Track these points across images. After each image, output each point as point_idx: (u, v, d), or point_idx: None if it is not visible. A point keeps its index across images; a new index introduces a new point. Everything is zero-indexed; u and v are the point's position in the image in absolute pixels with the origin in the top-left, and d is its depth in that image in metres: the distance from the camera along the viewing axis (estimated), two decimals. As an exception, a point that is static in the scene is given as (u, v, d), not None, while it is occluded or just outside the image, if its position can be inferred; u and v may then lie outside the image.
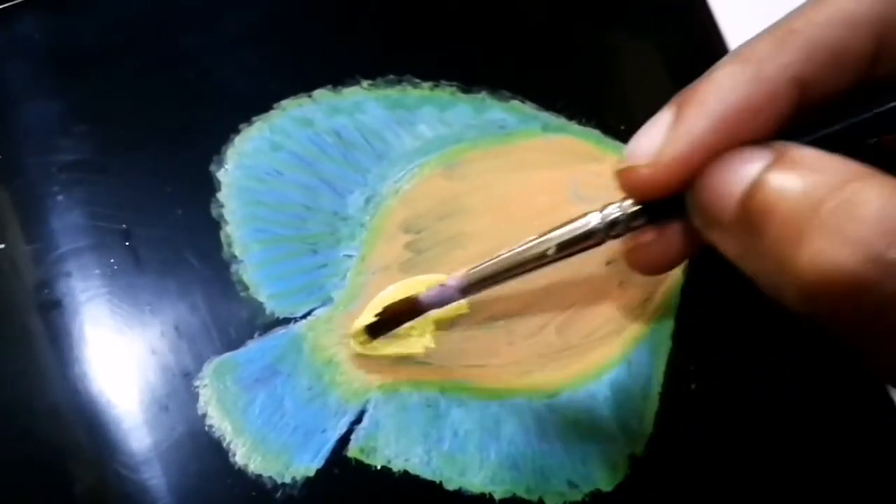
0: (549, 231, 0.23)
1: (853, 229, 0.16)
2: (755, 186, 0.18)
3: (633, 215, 0.22)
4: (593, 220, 0.22)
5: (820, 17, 0.19)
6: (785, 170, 0.18)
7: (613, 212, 0.22)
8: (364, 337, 0.27)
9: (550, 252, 0.23)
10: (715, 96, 0.19)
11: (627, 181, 0.21)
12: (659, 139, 0.20)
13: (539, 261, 0.23)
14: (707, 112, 0.19)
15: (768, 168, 0.18)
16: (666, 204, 0.20)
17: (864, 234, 0.16)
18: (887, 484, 0.30)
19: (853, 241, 0.16)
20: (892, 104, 0.19)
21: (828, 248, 0.16)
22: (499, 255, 0.24)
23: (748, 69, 0.19)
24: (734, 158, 0.19)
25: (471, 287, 0.25)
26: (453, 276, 0.25)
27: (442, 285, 0.25)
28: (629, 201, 0.22)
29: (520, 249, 0.24)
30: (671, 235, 0.23)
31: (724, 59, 0.20)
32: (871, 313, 0.16)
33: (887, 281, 0.16)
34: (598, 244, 0.22)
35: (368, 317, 0.27)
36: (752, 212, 0.18)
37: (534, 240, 0.23)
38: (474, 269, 0.25)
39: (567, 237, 0.23)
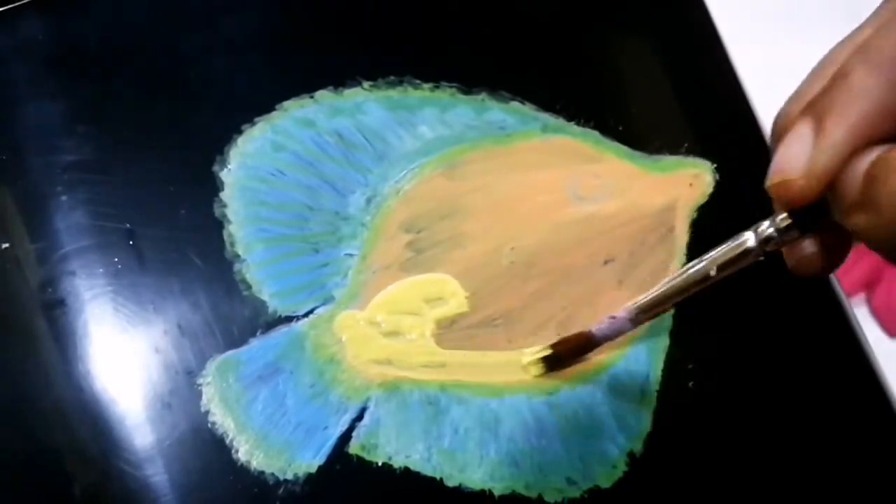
0: (708, 253, 0.25)
1: None
2: (875, 160, 0.19)
3: (786, 229, 0.23)
4: (749, 239, 0.24)
5: None
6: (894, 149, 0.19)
7: (767, 228, 0.23)
8: (540, 369, 0.28)
9: (713, 273, 0.25)
10: (853, 107, 0.20)
11: (783, 194, 0.22)
12: (805, 151, 0.21)
13: (702, 283, 0.25)
14: (847, 122, 0.20)
15: (885, 151, 0.20)
16: (812, 212, 0.22)
17: None
18: (886, 483, 0.30)
19: None
20: None
21: None
22: (665, 281, 0.26)
23: (882, 76, 0.20)
24: (862, 153, 0.20)
25: (641, 315, 0.27)
26: (623, 308, 0.27)
27: (612, 317, 0.27)
28: (780, 216, 0.23)
29: (684, 276, 0.25)
30: (828, 242, 0.24)
31: (853, 60, 0.21)
32: None
33: None
34: (755, 261, 0.24)
35: (542, 350, 0.28)
36: (874, 177, 0.19)
37: (696, 263, 0.25)
38: (644, 299, 0.26)
39: (726, 258, 0.24)
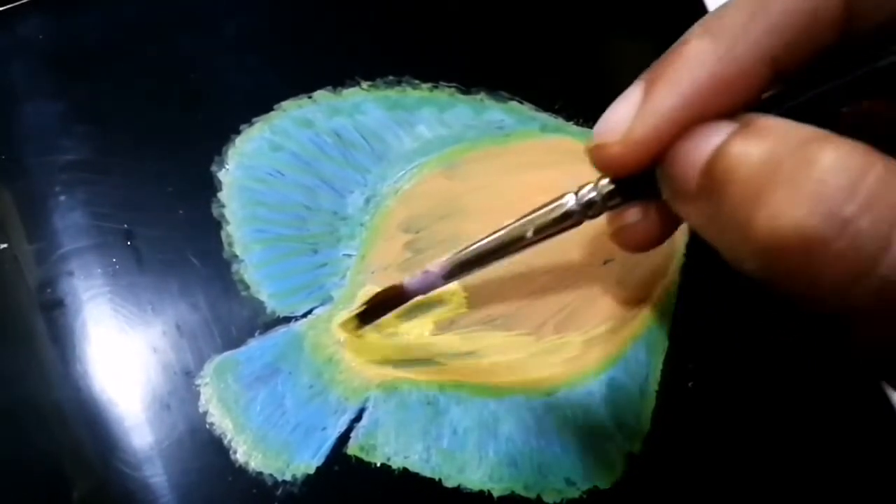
0: (527, 214, 0.23)
1: (809, 187, 0.16)
2: (717, 154, 0.18)
3: (609, 195, 0.22)
4: (569, 201, 0.22)
5: None
6: (746, 136, 0.18)
7: (588, 192, 0.22)
8: (354, 324, 0.28)
9: (529, 235, 0.23)
10: (685, 74, 0.19)
11: (598, 159, 0.21)
12: (628, 116, 0.20)
13: (518, 244, 0.24)
14: (677, 90, 0.19)
15: (731, 136, 0.18)
16: (639, 181, 0.21)
17: (819, 191, 0.16)
18: (887, 483, 0.30)
19: (809, 198, 0.16)
20: (860, 71, 0.19)
21: (784, 206, 0.16)
22: (479, 241, 0.25)
23: (719, 46, 0.19)
24: (699, 130, 0.19)
25: (453, 272, 0.25)
26: (435, 263, 0.26)
27: (425, 272, 0.26)
28: (604, 181, 0.22)
29: (499, 234, 0.24)
30: (653, 213, 0.23)
31: (695, 28, 0.20)
32: (824, 270, 0.16)
33: (841, 238, 0.16)
34: (576, 225, 0.23)
35: (356, 307, 0.28)
36: (713, 178, 0.18)
37: (511, 224, 0.24)
38: (455, 255, 0.25)
39: (544, 220, 0.23)
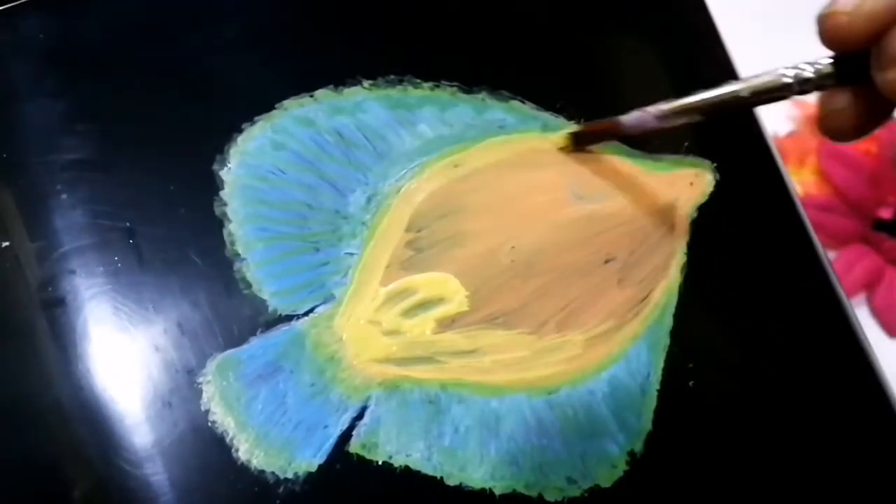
0: (745, 79, 0.26)
1: None
2: None
3: (824, 75, 0.24)
4: (788, 73, 0.25)
5: None
6: None
7: (806, 69, 0.24)
8: (568, 143, 0.31)
9: (744, 94, 0.26)
10: None
11: (826, 26, 0.23)
12: None
13: (734, 103, 0.26)
14: None
15: None
16: (854, 64, 0.23)
17: None
18: (887, 483, 0.30)
19: None
20: None
21: None
22: (697, 92, 0.27)
23: None
24: None
25: (668, 115, 0.28)
26: (653, 105, 0.28)
27: (642, 110, 0.28)
28: (822, 60, 0.24)
29: (716, 91, 0.26)
30: (861, 101, 0.24)
31: None
32: None
33: None
34: (787, 96, 0.25)
35: (573, 128, 0.31)
36: None
37: (732, 83, 0.26)
38: (676, 102, 0.27)
39: (762, 85, 0.25)
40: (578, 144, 0.31)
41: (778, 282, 0.31)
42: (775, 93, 0.25)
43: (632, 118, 0.29)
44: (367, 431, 0.27)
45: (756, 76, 0.25)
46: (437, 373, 0.28)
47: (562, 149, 0.31)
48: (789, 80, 0.25)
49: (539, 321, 0.29)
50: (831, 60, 0.24)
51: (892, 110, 0.23)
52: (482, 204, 0.30)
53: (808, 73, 0.24)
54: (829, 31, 0.23)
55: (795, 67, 0.25)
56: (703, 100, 0.27)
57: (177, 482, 0.26)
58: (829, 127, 0.26)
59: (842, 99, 0.25)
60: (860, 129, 0.25)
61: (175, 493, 0.26)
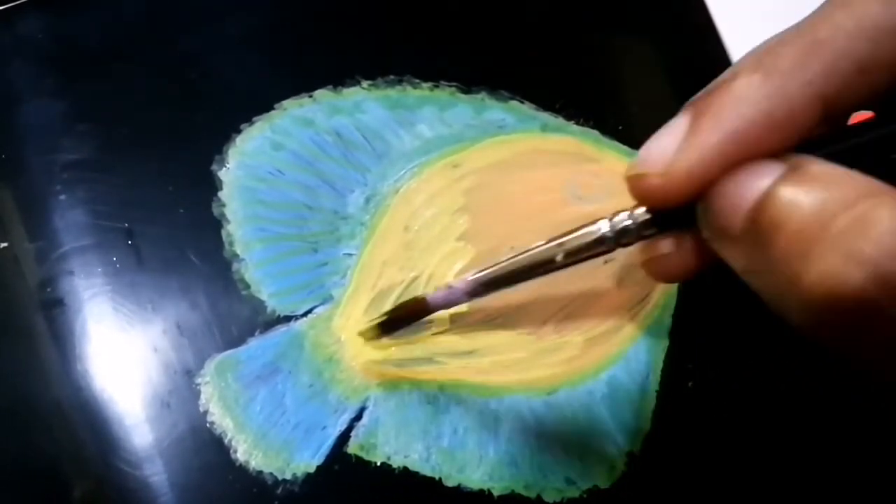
0: (558, 237, 0.23)
1: (863, 249, 0.16)
2: (766, 199, 0.17)
3: (644, 224, 0.21)
4: (603, 227, 0.22)
5: (848, 25, 0.18)
6: (797, 183, 0.17)
7: (623, 220, 0.21)
8: (374, 333, 0.27)
9: (559, 259, 0.23)
10: (732, 109, 0.18)
11: (638, 188, 0.20)
12: (672, 148, 0.19)
13: (546, 266, 0.23)
14: (723, 125, 0.18)
15: (780, 180, 0.17)
16: (677, 213, 0.20)
17: (874, 255, 0.15)
18: (887, 483, 0.30)
19: (863, 260, 0.15)
20: None
21: (837, 267, 0.16)
22: (507, 259, 0.24)
23: (769, 84, 0.18)
24: (746, 171, 0.18)
25: (478, 290, 0.25)
26: (461, 279, 0.25)
27: (449, 287, 0.25)
28: (640, 209, 0.21)
29: (528, 255, 0.23)
30: (687, 245, 0.22)
31: (744, 62, 0.19)
32: (877, 334, 0.16)
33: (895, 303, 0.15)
34: (608, 252, 0.22)
35: (376, 316, 0.27)
36: (761, 225, 0.17)
37: (542, 245, 0.23)
38: (481, 273, 0.24)
39: (576, 244, 0.22)
40: (387, 332, 0.27)
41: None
42: (594, 249, 0.22)
43: (439, 296, 0.25)
44: (365, 432, 0.27)
45: (569, 233, 0.22)
46: (436, 373, 0.28)
47: (366, 339, 0.28)
48: (607, 233, 0.21)
49: (538, 322, 0.29)
50: (647, 210, 0.21)
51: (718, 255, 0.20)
52: (481, 204, 0.30)
53: (627, 222, 0.21)
54: (641, 194, 0.20)
55: (612, 218, 0.22)
56: (513, 269, 0.23)
57: (175, 483, 0.26)
58: (654, 271, 0.23)
59: (665, 245, 0.22)
60: (688, 271, 0.23)
61: (174, 493, 0.26)
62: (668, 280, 0.24)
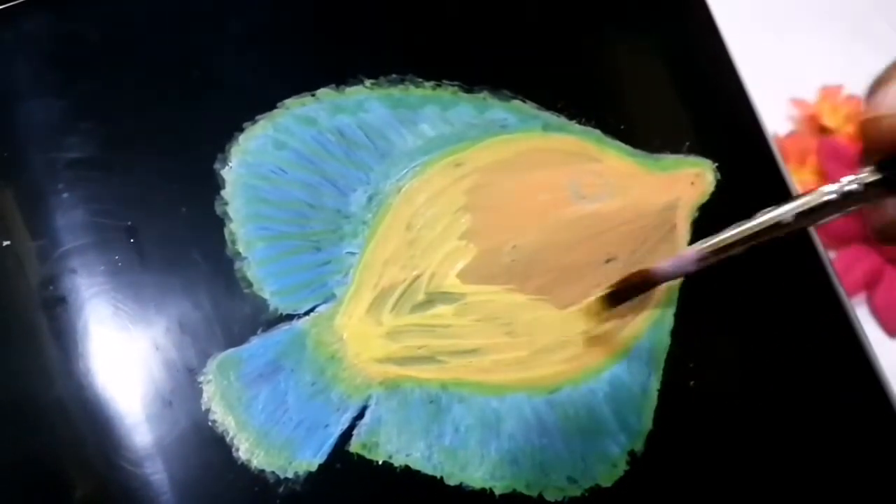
0: (786, 202, 0.25)
1: None
2: None
3: (872, 184, 0.23)
4: (831, 191, 0.24)
5: None
6: None
7: (849, 184, 0.23)
8: (601, 306, 0.28)
9: (788, 220, 0.24)
10: None
11: (871, 130, 0.22)
12: None
13: (775, 231, 0.25)
14: None
15: None
16: None
17: None
18: (887, 483, 0.30)
19: None
20: None
21: None
22: (737, 226, 0.25)
23: None
24: None
25: (708, 256, 0.26)
26: (690, 247, 0.26)
27: (678, 256, 0.26)
28: (865, 170, 0.23)
29: (757, 220, 0.25)
30: None
31: None
32: None
33: None
34: (837, 213, 0.24)
35: (605, 289, 0.28)
36: None
37: (771, 210, 0.25)
38: (713, 240, 0.26)
39: (806, 207, 0.24)
40: (614, 304, 0.28)
41: (778, 282, 0.31)
42: (823, 211, 0.24)
43: (666, 266, 0.27)
44: (367, 431, 0.27)
45: (796, 199, 0.24)
46: (438, 372, 0.28)
47: (591, 313, 0.29)
48: (834, 198, 0.24)
49: (540, 321, 0.29)
50: (875, 169, 0.23)
51: None
52: (483, 203, 0.30)
53: (853, 186, 0.23)
54: (875, 134, 0.22)
55: (838, 183, 0.24)
56: (745, 233, 0.25)
57: (177, 481, 0.26)
58: (887, 238, 0.25)
59: (892, 207, 0.24)
60: None
61: (175, 492, 0.26)
62: None
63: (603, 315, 0.28)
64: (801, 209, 0.24)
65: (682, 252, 0.26)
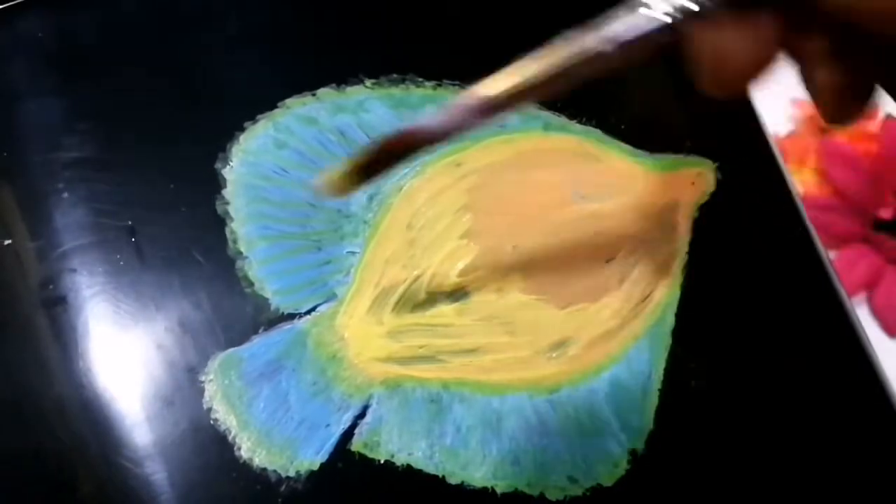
0: (601, 24, 0.18)
1: None
2: None
3: (711, 3, 0.17)
4: (663, 10, 0.17)
5: None
6: None
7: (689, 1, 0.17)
8: (353, 178, 0.21)
9: (608, 50, 0.17)
10: None
11: None
12: None
13: (592, 64, 0.18)
14: None
15: None
16: None
17: None
18: (887, 483, 0.30)
19: None
20: None
21: None
22: (529, 59, 0.19)
23: None
24: None
25: (492, 105, 0.19)
26: (467, 95, 0.19)
27: (451, 106, 0.19)
28: None
29: (563, 47, 0.18)
30: (756, 35, 0.17)
31: None
32: None
33: None
34: (661, 41, 0.17)
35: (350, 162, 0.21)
36: None
37: (577, 34, 0.18)
38: (500, 76, 0.19)
39: (633, 34, 0.17)
40: (366, 177, 0.21)
41: (779, 281, 0.31)
42: (648, 38, 0.17)
43: (439, 121, 0.19)
44: (368, 430, 0.27)
45: (612, 20, 0.17)
46: (439, 372, 0.28)
47: (340, 189, 0.21)
48: (667, 20, 0.17)
49: (541, 321, 0.29)
50: None
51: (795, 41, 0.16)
52: (484, 203, 0.30)
53: (692, 4, 0.17)
54: None
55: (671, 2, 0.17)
56: (541, 72, 0.18)
57: (178, 481, 0.26)
58: (719, 77, 0.18)
59: (732, 34, 0.17)
60: (755, 68, 0.17)
61: (177, 491, 0.26)
62: (739, 85, 0.18)
63: (351, 189, 0.21)
64: (626, 36, 0.17)
65: (455, 101, 0.19)
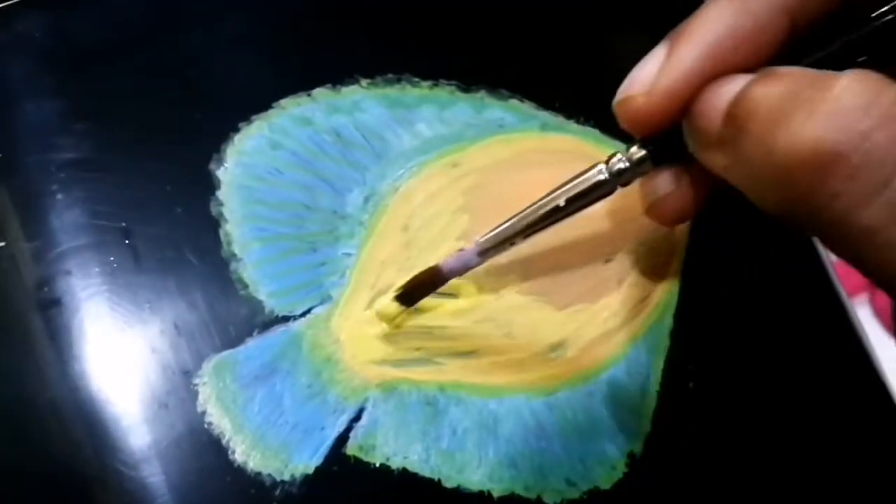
0: (559, 187, 0.25)
1: (826, 106, 0.17)
2: (738, 97, 0.19)
3: (639, 161, 0.23)
4: (600, 171, 0.24)
5: None
6: (766, 80, 0.19)
7: (619, 160, 0.24)
8: (394, 309, 0.27)
9: (561, 204, 0.25)
10: (704, 28, 0.20)
11: (625, 112, 0.23)
12: (653, 72, 0.21)
13: (551, 216, 0.25)
14: (698, 45, 0.20)
15: (751, 82, 0.19)
16: (667, 143, 0.22)
17: (835, 109, 0.17)
18: (887, 483, 0.30)
19: (826, 115, 0.17)
20: (876, 24, 0.20)
21: (803, 125, 0.17)
22: (513, 216, 0.26)
23: (735, 3, 0.20)
24: (721, 80, 0.20)
25: (489, 250, 0.26)
26: (474, 241, 0.26)
27: (460, 251, 0.27)
28: (633, 148, 0.24)
29: (532, 208, 0.25)
30: (685, 182, 0.24)
31: None
32: (843, 186, 0.17)
33: (857, 152, 0.17)
34: (608, 194, 0.24)
35: (395, 290, 0.27)
36: (736, 118, 0.19)
37: (544, 197, 0.25)
38: (491, 233, 0.26)
39: (577, 190, 0.24)
40: (408, 303, 0.27)
41: (779, 282, 0.31)
42: (594, 192, 0.24)
43: (451, 262, 0.27)
44: (364, 433, 0.27)
45: (568, 182, 0.25)
46: (436, 374, 0.28)
47: (386, 318, 0.27)
48: (605, 178, 0.24)
49: (538, 322, 0.29)
50: (640, 145, 0.24)
51: (721, 183, 0.21)
52: (481, 203, 0.30)
53: (623, 164, 0.24)
54: (628, 117, 0.23)
55: (608, 161, 0.24)
56: (521, 222, 0.26)
57: (173, 484, 0.26)
58: (658, 214, 0.25)
59: (663, 184, 0.24)
60: (689, 208, 0.25)
61: (171, 494, 0.26)
62: (673, 221, 0.26)
63: (400, 316, 0.28)
64: (572, 192, 0.24)
65: (464, 247, 0.27)
